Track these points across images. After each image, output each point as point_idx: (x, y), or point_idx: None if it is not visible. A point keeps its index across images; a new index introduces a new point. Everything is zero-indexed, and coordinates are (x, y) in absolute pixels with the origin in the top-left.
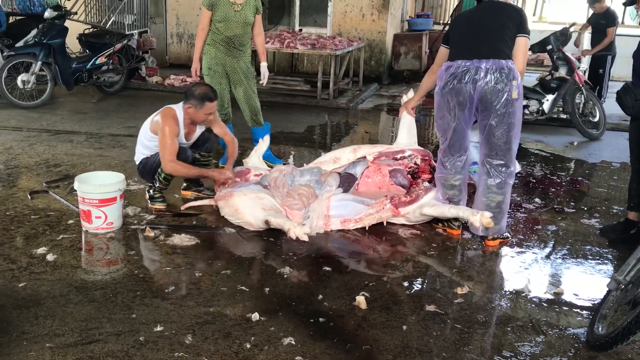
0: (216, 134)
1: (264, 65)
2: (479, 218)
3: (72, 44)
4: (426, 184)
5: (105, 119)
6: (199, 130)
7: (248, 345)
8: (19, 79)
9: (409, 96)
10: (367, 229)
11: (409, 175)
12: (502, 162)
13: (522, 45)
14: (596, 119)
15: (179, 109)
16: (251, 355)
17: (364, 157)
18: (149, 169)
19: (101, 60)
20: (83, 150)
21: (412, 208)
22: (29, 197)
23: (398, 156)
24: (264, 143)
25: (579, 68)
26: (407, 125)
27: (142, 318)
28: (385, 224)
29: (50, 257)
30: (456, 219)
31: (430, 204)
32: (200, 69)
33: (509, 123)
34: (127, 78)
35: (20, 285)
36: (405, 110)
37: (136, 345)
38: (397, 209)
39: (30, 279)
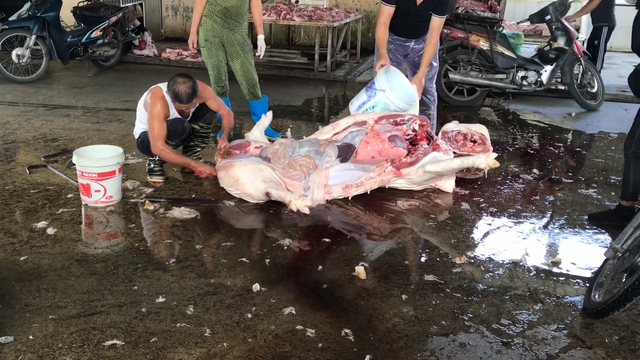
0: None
1: (261, 38)
2: (484, 160)
3: (67, 18)
4: (425, 145)
5: (101, 93)
6: (194, 107)
7: (249, 315)
8: (14, 53)
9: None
10: (368, 195)
11: (408, 142)
12: None
13: None
14: (594, 90)
15: (165, 89)
16: (252, 325)
17: (364, 125)
18: (147, 143)
19: (96, 33)
20: (80, 124)
21: (414, 168)
22: (28, 171)
23: (398, 119)
24: (266, 118)
25: (577, 38)
26: None
27: (144, 290)
28: (387, 187)
29: (50, 231)
30: None
31: (433, 161)
32: (197, 41)
33: None
34: (123, 52)
35: (21, 258)
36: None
37: (138, 317)
38: (399, 170)
39: (31, 253)
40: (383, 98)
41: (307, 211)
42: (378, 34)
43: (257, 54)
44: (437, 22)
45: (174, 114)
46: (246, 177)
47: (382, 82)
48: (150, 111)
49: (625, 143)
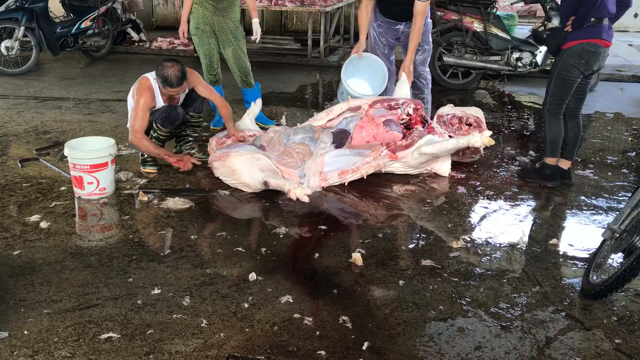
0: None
1: (255, 22)
2: (479, 139)
3: (55, 8)
4: (420, 129)
5: (93, 84)
6: (184, 93)
7: (246, 305)
8: (3, 45)
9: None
10: (364, 181)
11: (402, 126)
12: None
13: None
14: None
15: (153, 78)
16: (249, 315)
17: (358, 110)
18: None
19: (86, 24)
20: (72, 116)
21: (409, 151)
22: (20, 165)
23: (392, 103)
24: (256, 106)
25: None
26: (402, 84)
27: (139, 282)
28: (383, 171)
29: (44, 225)
30: None
31: (428, 143)
32: (188, 30)
33: None
34: (114, 42)
35: (14, 253)
36: (404, 73)
37: (134, 309)
38: (395, 153)
39: (24, 247)
40: (342, 86)
41: (306, 199)
42: (359, 12)
43: (252, 37)
44: (419, 6)
45: (160, 104)
46: (243, 166)
47: (342, 71)
48: (136, 101)
49: (543, 102)
